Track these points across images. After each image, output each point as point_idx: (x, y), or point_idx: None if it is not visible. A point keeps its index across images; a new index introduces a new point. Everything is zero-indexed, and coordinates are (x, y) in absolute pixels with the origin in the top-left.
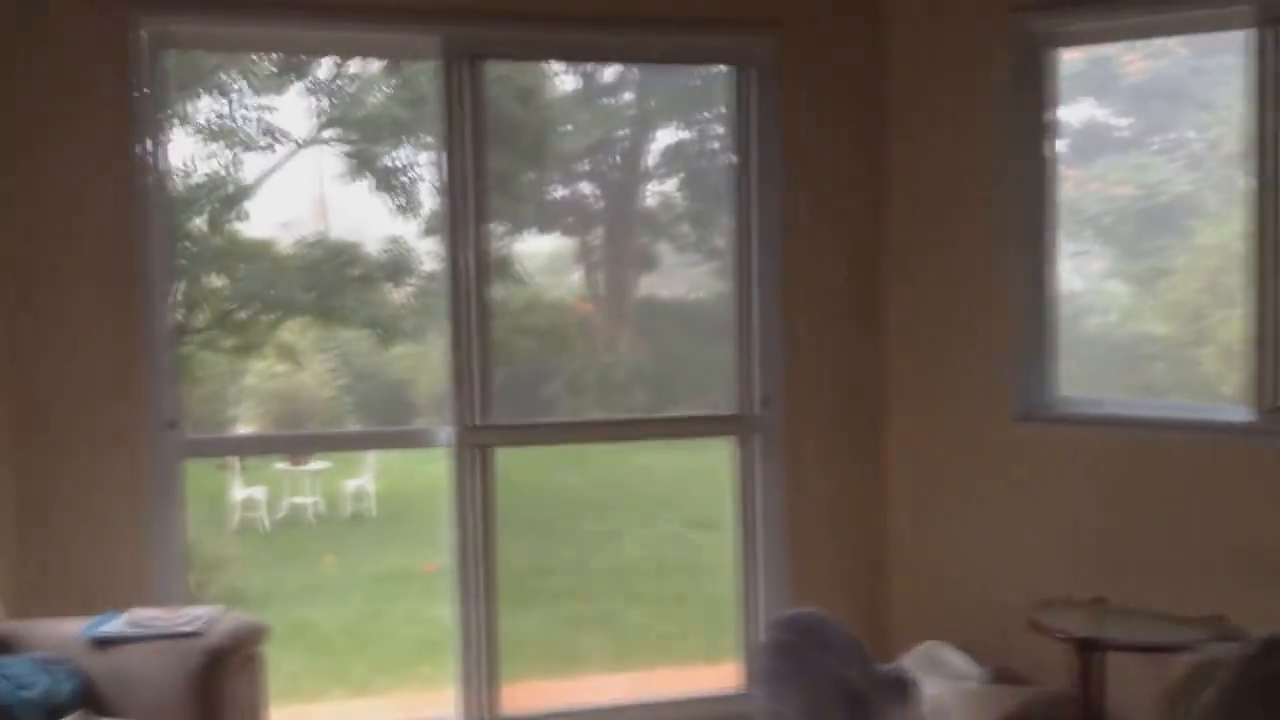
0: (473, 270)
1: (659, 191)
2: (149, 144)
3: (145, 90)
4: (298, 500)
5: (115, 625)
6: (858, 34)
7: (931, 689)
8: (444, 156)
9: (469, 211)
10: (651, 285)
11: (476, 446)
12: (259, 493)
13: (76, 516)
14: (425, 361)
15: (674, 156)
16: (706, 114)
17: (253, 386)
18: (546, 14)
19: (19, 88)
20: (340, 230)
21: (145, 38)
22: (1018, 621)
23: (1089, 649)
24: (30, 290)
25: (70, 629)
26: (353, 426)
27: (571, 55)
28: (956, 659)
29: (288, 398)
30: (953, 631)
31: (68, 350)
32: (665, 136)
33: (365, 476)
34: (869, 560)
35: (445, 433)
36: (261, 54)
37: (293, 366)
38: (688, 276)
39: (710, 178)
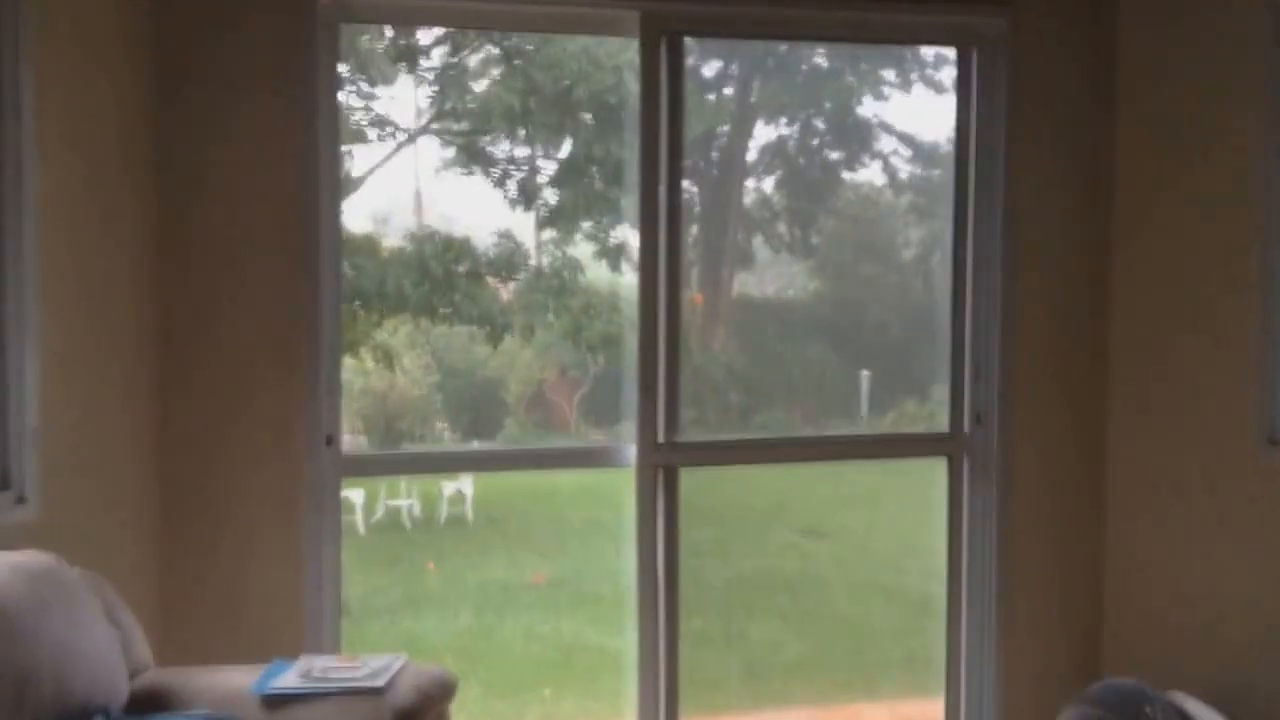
0: (665, 273)
1: (756, 189)
2: (324, 127)
3: (326, 67)
4: (393, 503)
5: (288, 678)
6: (1090, 13)
7: None
8: (639, 144)
9: (662, 206)
10: (744, 283)
11: (661, 466)
12: (356, 494)
13: (224, 543)
14: (518, 360)
15: (774, 153)
16: (810, 109)
17: (345, 383)
18: None
19: (196, 65)
20: (441, 224)
21: (323, 9)
22: (1272, 673)
23: None
24: (189, 283)
25: (234, 681)
26: (440, 426)
27: (781, 33)
28: (1206, 713)
29: (378, 396)
30: (1184, 681)
31: (223, 353)
32: (764, 133)
33: (464, 479)
34: (1087, 599)
35: (629, 451)
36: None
37: (386, 365)
38: (782, 275)
39: (810, 174)
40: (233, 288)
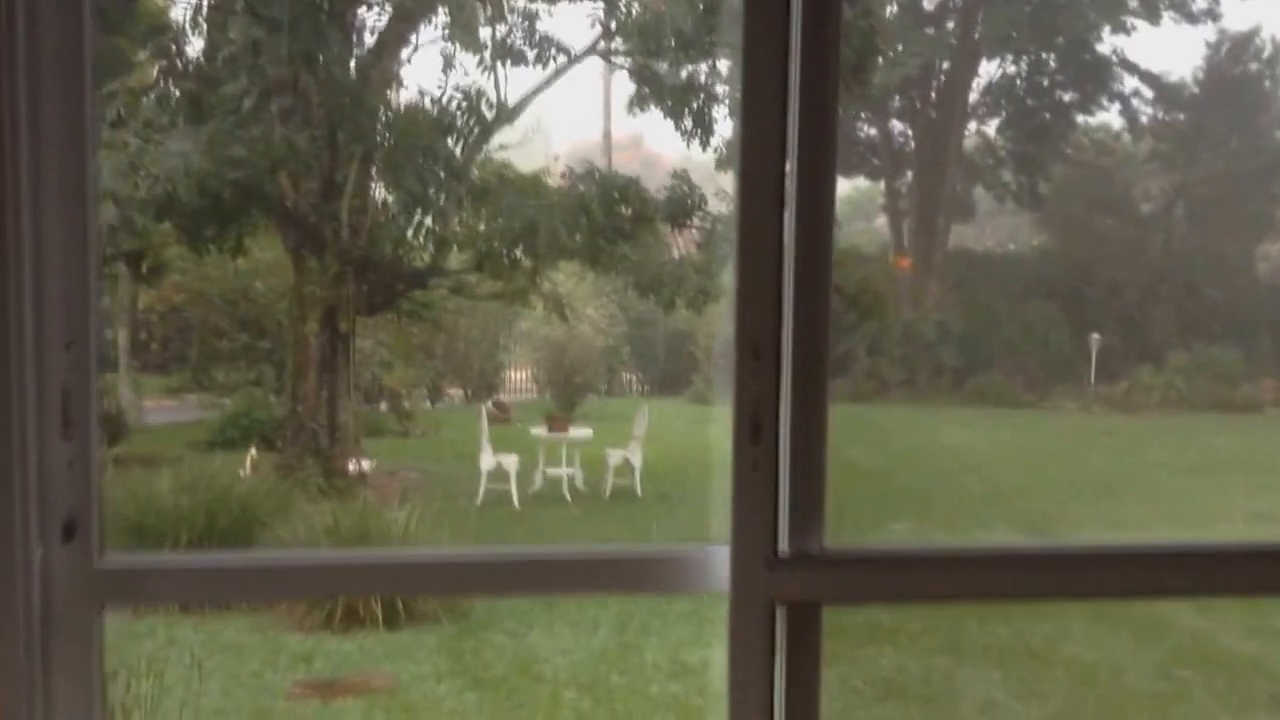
0: (800, 235)
1: (979, 132)
2: None
3: None
4: (553, 472)
5: None
6: None
7: None
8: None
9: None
10: (962, 236)
11: (785, 603)
12: (510, 462)
13: None
14: (708, 312)
15: (999, 94)
16: (1038, 45)
17: (526, 332)
18: None
19: None
20: (617, 161)
21: None
22: None
23: None
24: None
25: None
26: (625, 384)
27: None
28: None
29: (558, 346)
30: None
31: None
32: (988, 70)
33: (632, 446)
34: None
35: (714, 563)
36: None
37: (558, 316)
38: (1004, 227)
39: (1038, 117)
40: None
